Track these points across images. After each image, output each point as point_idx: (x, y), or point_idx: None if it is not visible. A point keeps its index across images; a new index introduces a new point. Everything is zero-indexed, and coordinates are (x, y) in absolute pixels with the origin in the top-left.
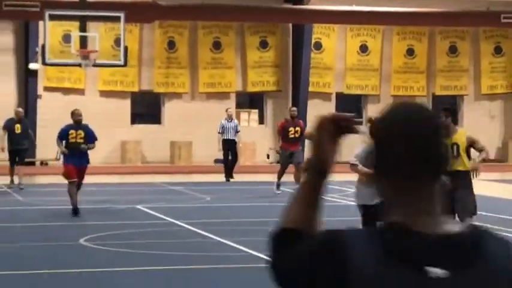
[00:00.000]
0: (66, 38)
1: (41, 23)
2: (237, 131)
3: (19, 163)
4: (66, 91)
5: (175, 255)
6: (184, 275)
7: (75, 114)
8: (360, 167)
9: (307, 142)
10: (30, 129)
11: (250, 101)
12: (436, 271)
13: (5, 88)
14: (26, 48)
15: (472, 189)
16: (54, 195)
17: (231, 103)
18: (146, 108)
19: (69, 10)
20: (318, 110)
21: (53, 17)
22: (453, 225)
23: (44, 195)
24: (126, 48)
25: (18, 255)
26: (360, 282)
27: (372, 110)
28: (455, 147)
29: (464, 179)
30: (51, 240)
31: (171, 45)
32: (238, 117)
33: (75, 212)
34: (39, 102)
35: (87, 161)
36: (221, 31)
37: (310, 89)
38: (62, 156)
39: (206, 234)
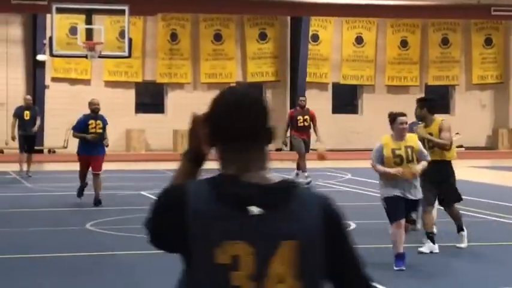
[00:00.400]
0: (73, 31)
1: (48, 16)
2: None
3: (28, 151)
4: (73, 81)
5: None
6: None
7: (92, 104)
8: (378, 166)
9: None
10: (39, 116)
11: None
12: (254, 209)
13: (14, 78)
14: (34, 40)
15: (452, 180)
16: (62, 181)
17: None
18: (150, 98)
19: (75, 3)
20: (315, 99)
21: (60, 10)
22: (272, 178)
23: (51, 181)
24: (130, 40)
25: (27, 239)
26: (196, 219)
27: (367, 99)
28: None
29: (444, 169)
30: (59, 225)
31: (174, 37)
32: None
33: (78, 192)
34: (47, 92)
35: (104, 152)
36: (222, 23)
37: (308, 79)
38: (77, 147)
39: None
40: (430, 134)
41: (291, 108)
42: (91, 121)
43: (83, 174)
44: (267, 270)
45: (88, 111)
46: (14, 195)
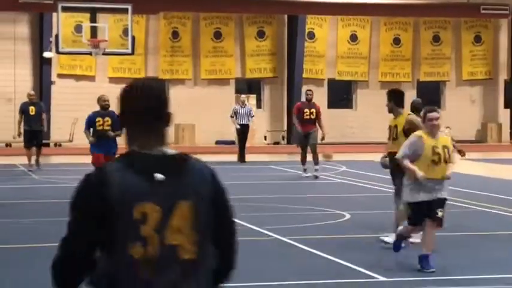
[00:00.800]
0: (78, 29)
1: (54, 14)
2: (251, 116)
3: (37, 146)
4: (78, 78)
5: None
6: None
7: (101, 100)
8: (406, 162)
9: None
10: (45, 112)
11: (248, 86)
12: (158, 176)
13: (22, 75)
14: (40, 38)
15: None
16: (68, 173)
17: (231, 89)
18: None
19: (80, 2)
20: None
21: (65, 9)
22: (170, 151)
23: (58, 173)
24: (133, 38)
25: (36, 230)
26: (114, 188)
27: (362, 95)
28: (395, 129)
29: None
30: (65, 216)
31: (175, 35)
32: (237, 102)
33: None
34: (53, 88)
35: (116, 149)
36: (221, 22)
37: (304, 75)
38: (89, 145)
39: None
40: (395, 126)
41: (289, 102)
42: (98, 118)
43: None
44: (168, 224)
45: (97, 108)
46: (22, 187)
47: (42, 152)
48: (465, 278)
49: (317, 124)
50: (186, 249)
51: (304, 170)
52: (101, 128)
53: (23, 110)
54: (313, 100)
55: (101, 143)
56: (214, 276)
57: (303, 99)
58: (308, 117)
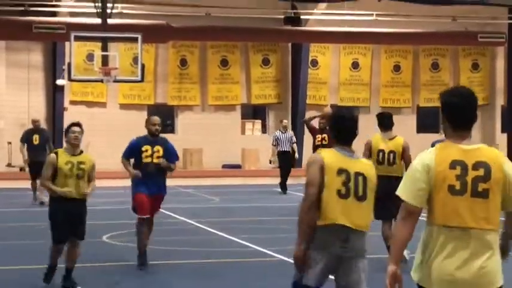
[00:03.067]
0: (90, 57)
1: (67, 43)
2: (292, 142)
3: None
4: (90, 104)
5: (187, 251)
6: (194, 267)
7: (151, 123)
8: None
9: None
10: (55, 138)
11: (254, 112)
12: None
13: (36, 101)
14: (53, 66)
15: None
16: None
17: (237, 114)
18: (161, 119)
19: (92, 32)
20: (314, 120)
21: (77, 38)
22: None
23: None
24: (143, 66)
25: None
26: None
27: (363, 120)
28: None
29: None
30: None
31: (183, 62)
32: (243, 127)
33: (142, 263)
34: (66, 115)
35: (165, 190)
36: (228, 50)
37: (308, 101)
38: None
39: (214, 231)
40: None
41: (293, 127)
42: (146, 147)
43: (142, 228)
44: None
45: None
46: (33, 209)
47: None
48: None
49: None
50: None
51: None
52: (148, 159)
53: (26, 138)
54: (315, 125)
55: (148, 179)
56: None
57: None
58: (319, 143)
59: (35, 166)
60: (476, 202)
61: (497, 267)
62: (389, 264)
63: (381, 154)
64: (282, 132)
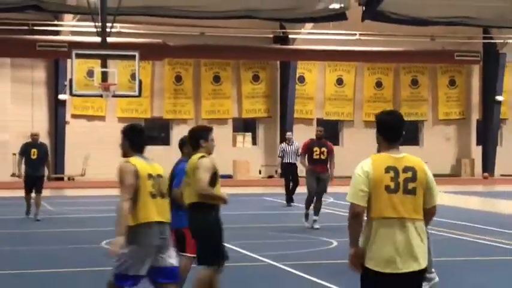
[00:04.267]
0: (90, 73)
1: (69, 60)
2: (298, 155)
3: (36, 192)
4: (90, 118)
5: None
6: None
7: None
8: None
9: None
10: (57, 149)
11: (244, 125)
12: None
13: (39, 115)
14: (56, 82)
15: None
16: (80, 205)
17: (229, 127)
18: (157, 132)
19: (92, 50)
20: (302, 133)
21: (78, 56)
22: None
23: (71, 205)
24: (140, 82)
25: (54, 256)
26: None
27: (347, 133)
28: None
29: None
30: (78, 243)
31: (178, 79)
32: (235, 140)
33: None
34: (67, 128)
35: (186, 221)
36: (220, 67)
37: (295, 115)
38: None
39: None
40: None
41: (280, 142)
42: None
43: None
44: None
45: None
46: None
47: (54, 185)
48: None
49: (328, 165)
50: None
51: (306, 216)
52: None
53: (23, 151)
54: (302, 138)
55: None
56: None
57: (296, 135)
58: (318, 156)
59: (31, 180)
60: (407, 198)
61: (425, 250)
62: (349, 249)
63: None
64: (288, 144)
